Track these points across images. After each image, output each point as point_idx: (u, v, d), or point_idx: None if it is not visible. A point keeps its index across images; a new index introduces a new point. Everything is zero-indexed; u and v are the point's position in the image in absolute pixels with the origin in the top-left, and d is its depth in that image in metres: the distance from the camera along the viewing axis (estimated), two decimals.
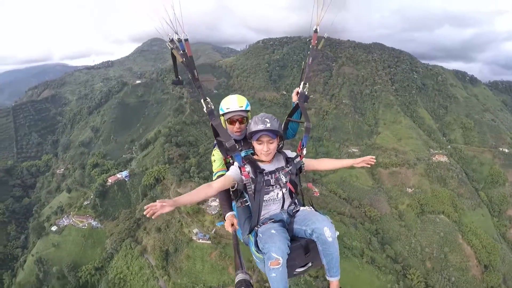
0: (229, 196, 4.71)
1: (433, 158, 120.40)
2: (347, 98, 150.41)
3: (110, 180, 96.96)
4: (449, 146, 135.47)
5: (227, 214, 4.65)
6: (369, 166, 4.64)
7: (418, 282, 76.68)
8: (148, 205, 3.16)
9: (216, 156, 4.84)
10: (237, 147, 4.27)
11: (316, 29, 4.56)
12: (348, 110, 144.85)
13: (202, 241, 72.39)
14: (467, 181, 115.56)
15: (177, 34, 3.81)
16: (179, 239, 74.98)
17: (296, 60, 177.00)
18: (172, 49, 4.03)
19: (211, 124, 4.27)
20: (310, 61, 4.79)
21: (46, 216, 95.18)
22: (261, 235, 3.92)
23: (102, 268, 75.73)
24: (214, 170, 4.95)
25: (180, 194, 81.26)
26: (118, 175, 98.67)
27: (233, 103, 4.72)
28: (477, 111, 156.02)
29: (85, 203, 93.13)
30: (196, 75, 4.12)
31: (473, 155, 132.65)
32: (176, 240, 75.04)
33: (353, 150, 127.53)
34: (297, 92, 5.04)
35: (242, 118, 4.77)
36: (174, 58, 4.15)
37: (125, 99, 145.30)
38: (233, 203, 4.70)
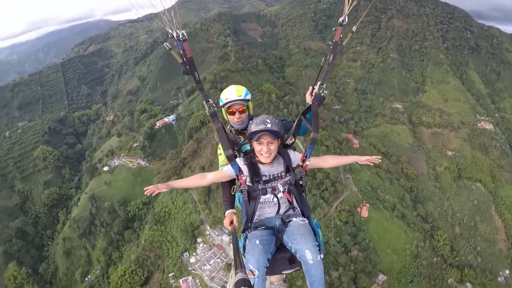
0: (231, 193, 5.18)
1: (478, 124, 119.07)
2: (394, 52, 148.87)
3: (158, 124, 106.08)
4: (496, 115, 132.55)
5: (227, 212, 5.13)
6: (372, 164, 4.88)
7: (444, 244, 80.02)
8: (148, 187, 4.13)
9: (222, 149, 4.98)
10: (236, 153, 4.85)
11: (343, 20, 4.09)
12: (395, 65, 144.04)
13: None
14: (510, 153, 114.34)
15: (177, 32, 3.86)
16: None
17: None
18: (170, 49, 4.17)
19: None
20: (331, 58, 4.40)
21: (98, 159, 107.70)
22: (247, 242, 4.38)
23: (149, 203, 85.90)
24: (220, 163, 5.38)
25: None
26: (166, 119, 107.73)
27: (231, 93, 5.00)
28: None
29: (135, 145, 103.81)
30: (197, 77, 4.27)
31: None
32: None
33: (397, 106, 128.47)
34: (311, 92, 4.99)
35: (242, 108, 5.07)
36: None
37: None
38: (239, 194, 5.07)
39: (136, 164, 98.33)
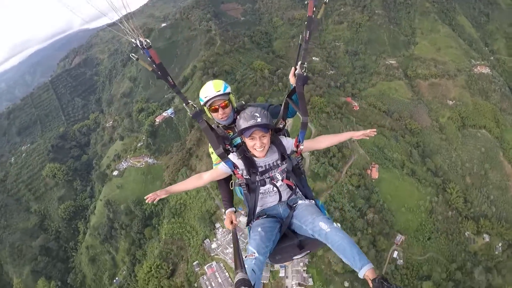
0: (229, 192, 5.17)
1: (475, 70, 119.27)
2: (380, 8, 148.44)
3: (157, 120, 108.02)
4: (491, 57, 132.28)
5: (227, 211, 5.11)
6: (368, 138, 4.79)
7: (457, 196, 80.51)
8: (148, 195, 4.27)
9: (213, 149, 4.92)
10: (227, 152, 4.77)
11: None
12: (382, 21, 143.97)
13: None
14: (511, 95, 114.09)
15: (140, 40, 3.76)
16: None
17: None
18: (137, 59, 4.21)
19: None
20: (307, 35, 4.16)
21: (106, 165, 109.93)
22: (251, 231, 4.54)
23: (164, 198, 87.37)
24: (214, 162, 5.37)
25: None
26: (164, 114, 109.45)
27: (209, 90, 4.87)
28: None
29: (139, 145, 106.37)
30: (171, 81, 4.21)
31: None
32: None
33: (390, 62, 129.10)
34: (294, 73, 4.76)
35: (224, 103, 4.93)
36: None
37: (155, 44, 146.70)
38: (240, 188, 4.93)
39: (144, 163, 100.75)
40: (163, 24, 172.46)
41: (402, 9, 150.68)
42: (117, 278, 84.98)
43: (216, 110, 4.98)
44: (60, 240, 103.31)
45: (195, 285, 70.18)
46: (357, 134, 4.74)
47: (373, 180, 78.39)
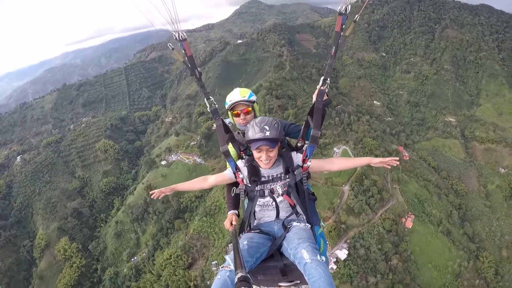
0: (235, 196, 5.20)
1: None
2: (448, 64, 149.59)
3: (215, 125, 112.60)
4: None
5: (229, 212, 5.24)
6: (389, 167, 4.48)
7: (488, 266, 76.23)
8: (154, 190, 4.69)
9: (230, 151, 5.00)
10: (243, 153, 5.09)
11: (345, 9, 3.68)
12: (449, 77, 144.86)
13: None
14: None
15: (176, 33, 3.94)
16: None
17: (397, 20, 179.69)
18: (173, 49, 4.29)
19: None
20: (333, 51, 4.11)
21: (156, 154, 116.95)
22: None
23: (202, 197, 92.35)
24: (227, 166, 5.23)
25: None
26: None
27: (235, 95, 5.15)
28: None
29: (192, 143, 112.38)
30: (197, 74, 4.39)
31: None
32: None
33: (450, 119, 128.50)
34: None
35: (246, 109, 5.13)
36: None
37: (228, 57, 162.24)
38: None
39: (192, 161, 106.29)
40: (239, 41, 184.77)
41: (471, 68, 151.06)
42: (135, 258, 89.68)
43: (238, 115, 5.19)
44: (94, 209, 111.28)
45: (208, 282, 72.26)
46: (375, 161, 4.54)
47: (406, 229, 77.04)
